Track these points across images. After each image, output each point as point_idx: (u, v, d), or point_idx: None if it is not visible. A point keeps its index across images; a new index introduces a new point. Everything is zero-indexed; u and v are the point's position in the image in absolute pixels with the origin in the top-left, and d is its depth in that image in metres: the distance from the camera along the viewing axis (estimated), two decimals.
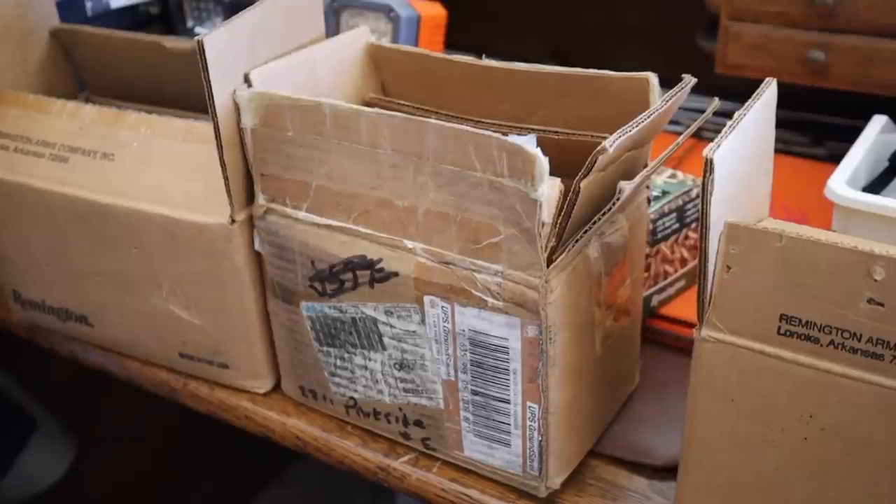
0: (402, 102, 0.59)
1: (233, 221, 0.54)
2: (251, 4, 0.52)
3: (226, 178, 0.53)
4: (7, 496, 0.96)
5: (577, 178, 0.43)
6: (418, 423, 0.54)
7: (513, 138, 0.43)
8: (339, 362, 0.56)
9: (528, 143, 0.42)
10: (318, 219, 0.52)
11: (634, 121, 0.45)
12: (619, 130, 0.44)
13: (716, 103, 0.50)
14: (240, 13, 0.51)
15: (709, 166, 0.38)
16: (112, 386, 0.71)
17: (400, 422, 0.55)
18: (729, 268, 0.40)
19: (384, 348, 0.53)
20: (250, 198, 0.55)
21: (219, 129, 0.51)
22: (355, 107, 0.48)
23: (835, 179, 0.56)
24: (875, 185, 0.60)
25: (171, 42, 0.63)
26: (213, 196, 0.54)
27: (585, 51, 0.93)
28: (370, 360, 0.54)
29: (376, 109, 0.47)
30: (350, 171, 0.49)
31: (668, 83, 0.50)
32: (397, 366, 0.53)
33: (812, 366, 0.39)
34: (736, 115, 0.41)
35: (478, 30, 0.90)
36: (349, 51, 0.59)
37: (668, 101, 0.48)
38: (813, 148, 0.81)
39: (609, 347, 0.53)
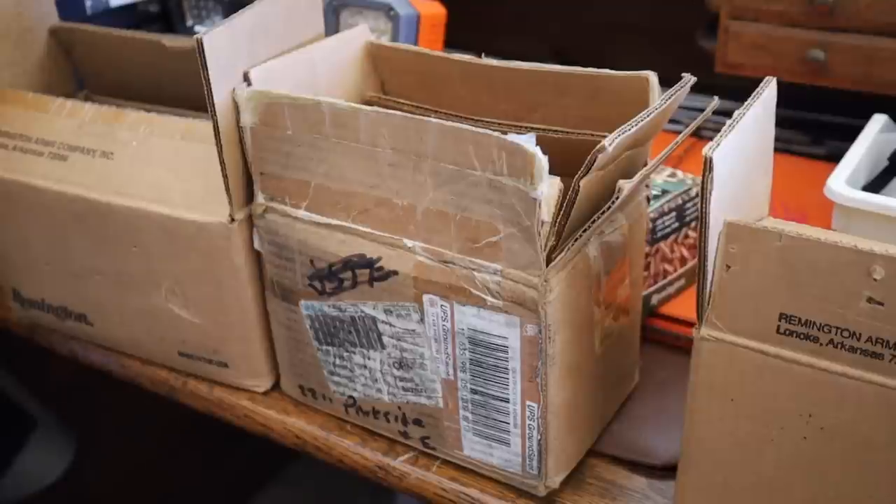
0: (402, 101, 0.59)
1: (232, 220, 0.54)
2: (250, 3, 0.52)
3: (225, 177, 0.53)
4: (6, 495, 0.96)
5: (577, 176, 0.43)
6: (417, 422, 0.54)
7: (512, 137, 0.42)
8: (338, 361, 0.55)
9: (528, 141, 0.42)
10: (317, 217, 0.52)
11: (634, 119, 0.45)
12: (618, 129, 0.44)
13: (715, 102, 0.50)
14: (239, 11, 0.51)
15: (708, 165, 0.38)
16: (112, 385, 0.71)
17: (399, 421, 0.55)
18: (728, 267, 0.40)
19: (383, 347, 0.53)
20: (249, 196, 0.55)
21: (218, 128, 0.51)
22: (354, 105, 0.47)
23: (835, 178, 0.56)
24: (875, 185, 0.60)
25: (171, 40, 0.63)
26: (212, 195, 0.54)
27: (585, 50, 0.93)
28: (369, 358, 0.54)
29: (375, 108, 0.47)
30: (349, 170, 0.49)
31: (668, 82, 0.50)
32: (396, 365, 0.53)
33: (811, 365, 0.39)
34: (735, 114, 0.41)
35: (477, 29, 0.90)
36: (349, 49, 0.59)
37: (667, 100, 0.48)
38: (813, 147, 0.81)
39: (608, 347, 0.53)
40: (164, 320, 0.61)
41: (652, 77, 0.51)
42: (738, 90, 0.53)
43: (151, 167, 0.58)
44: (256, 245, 0.55)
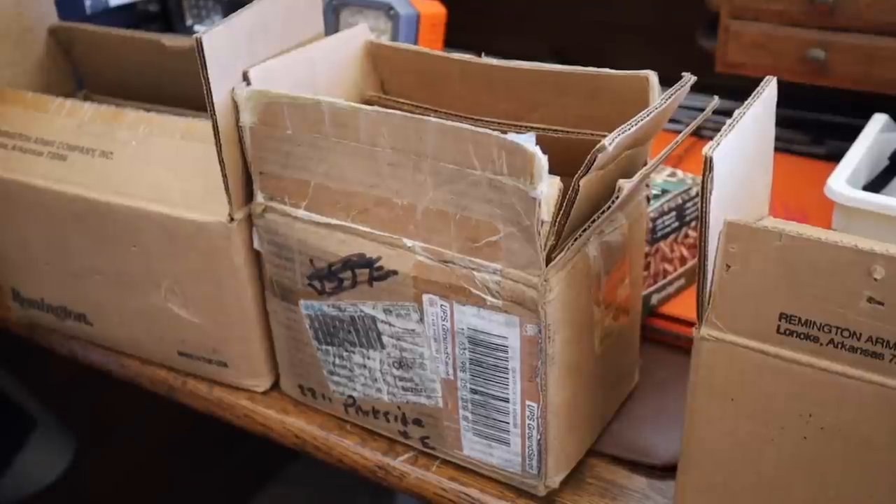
0: (402, 101, 0.59)
1: (231, 220, 0.54)
2: (250, 2, 0.52)
3: (224, 177, 0.53)
4: (6, 495, 0.96)
5: (577, 176, 0.43)
6: (417, 422, 0.54)
7: (512, 137, 0.42)
8: (337, 361, 0.55)
9: (527, 141, 0.42)
10: (317, 217, 0.52)
11: (634, 119, 0.45)
12: (618, 129, 0.44)
13: (715, 102, 0.50)
14: (238, 11, 0.51)
15: (708, 165, 0.38)
16: (112, 385, 0.71)
17: (399, 420, 0.55)
18: (728, 266, 0.39)
19: (383, 347, 0.53)
20: (249, 196, 0.55)
21: (217, 128, 0.51)
22: (354, 105, 0.47)
23: (835, 178, 0.56)
24: (875, 184, 0.60)
25: (170, 40, 0.63)
26: (211, 194, 0.54)
27: (585, 49, 0.93)
28: (369, 358, 0.54)
29: (375, 108, 0.47)
30: (349, 170, 0.49)
31: (668, 82, 0.50)
32: (396, 364, 0.53)
33: (812, 365, 0.39)
34: (735, 113, 0.41)
35: (477, 28, 0.90)
36: (348, 49, 0.59)
37: (667, 100, 0.48)
38: (813, 146, 0.81)
39: (608, 346, 0.53)
40: (163, 320, 0.61)
41: (652, 77, 0.50)
42: (738, 90, 0.53)
43: (151, 167, 0.58)
44: (256, 245, 0.55)
